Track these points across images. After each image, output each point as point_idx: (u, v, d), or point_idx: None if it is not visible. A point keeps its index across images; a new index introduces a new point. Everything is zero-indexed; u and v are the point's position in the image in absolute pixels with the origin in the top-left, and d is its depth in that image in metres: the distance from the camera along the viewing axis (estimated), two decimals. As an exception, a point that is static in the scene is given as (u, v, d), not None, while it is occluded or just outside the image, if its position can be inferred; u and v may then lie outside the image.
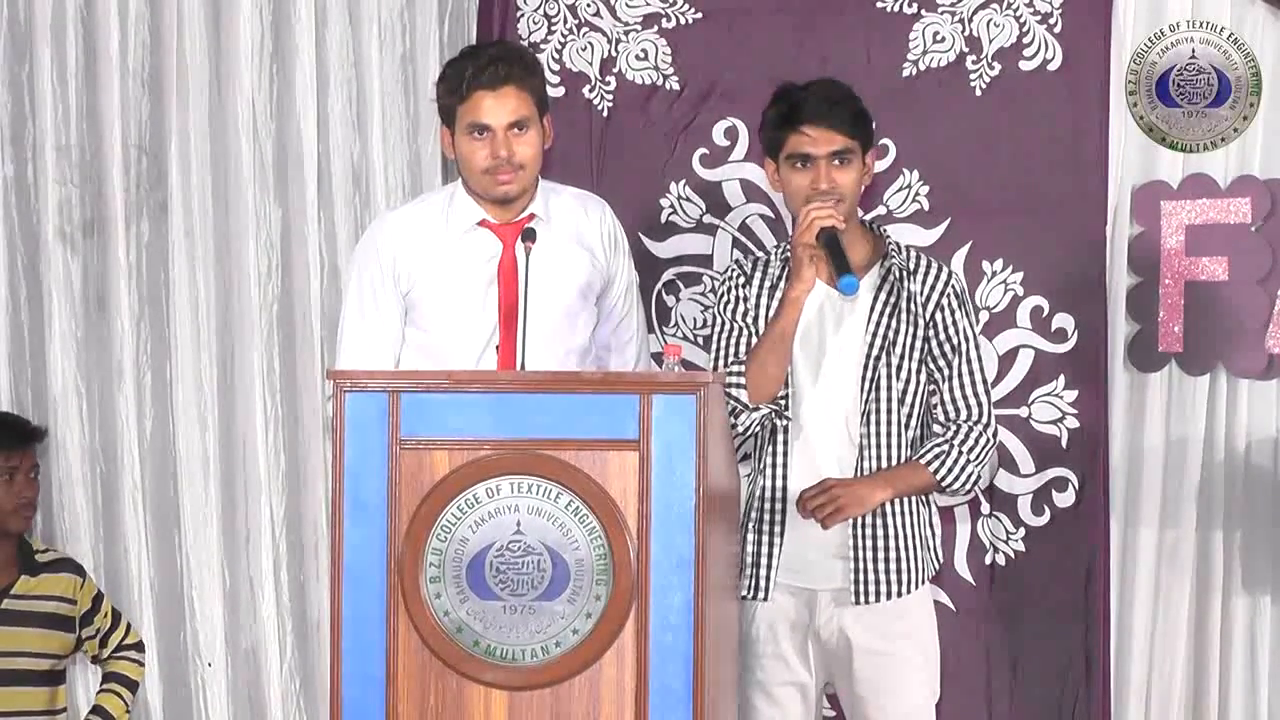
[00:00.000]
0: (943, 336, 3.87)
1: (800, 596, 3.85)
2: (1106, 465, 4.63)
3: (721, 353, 3.90)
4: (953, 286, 3.89)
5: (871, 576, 3.82)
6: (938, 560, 3.94)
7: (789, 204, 3.89)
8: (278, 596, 4.92)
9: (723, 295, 3.94)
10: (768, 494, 3.86)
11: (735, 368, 3.83)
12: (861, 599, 3.81)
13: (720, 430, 3.54)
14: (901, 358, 3.84)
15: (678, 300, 4.73)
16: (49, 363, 4.94)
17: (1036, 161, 4.62)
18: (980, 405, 3.88)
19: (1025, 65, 4.64)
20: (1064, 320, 4.63)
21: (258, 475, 4.90)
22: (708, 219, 4.72)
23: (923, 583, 3.87)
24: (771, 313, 3.86)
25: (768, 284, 3.91)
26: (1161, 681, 4.69)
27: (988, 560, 4.63)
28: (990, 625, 4.61)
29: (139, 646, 4.71)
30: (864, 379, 3.83)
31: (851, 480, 3.81)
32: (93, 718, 4.61)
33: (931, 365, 3.88)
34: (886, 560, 3.82)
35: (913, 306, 3.85)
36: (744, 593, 3.85)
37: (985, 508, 4.64)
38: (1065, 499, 4.63)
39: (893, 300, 3.85)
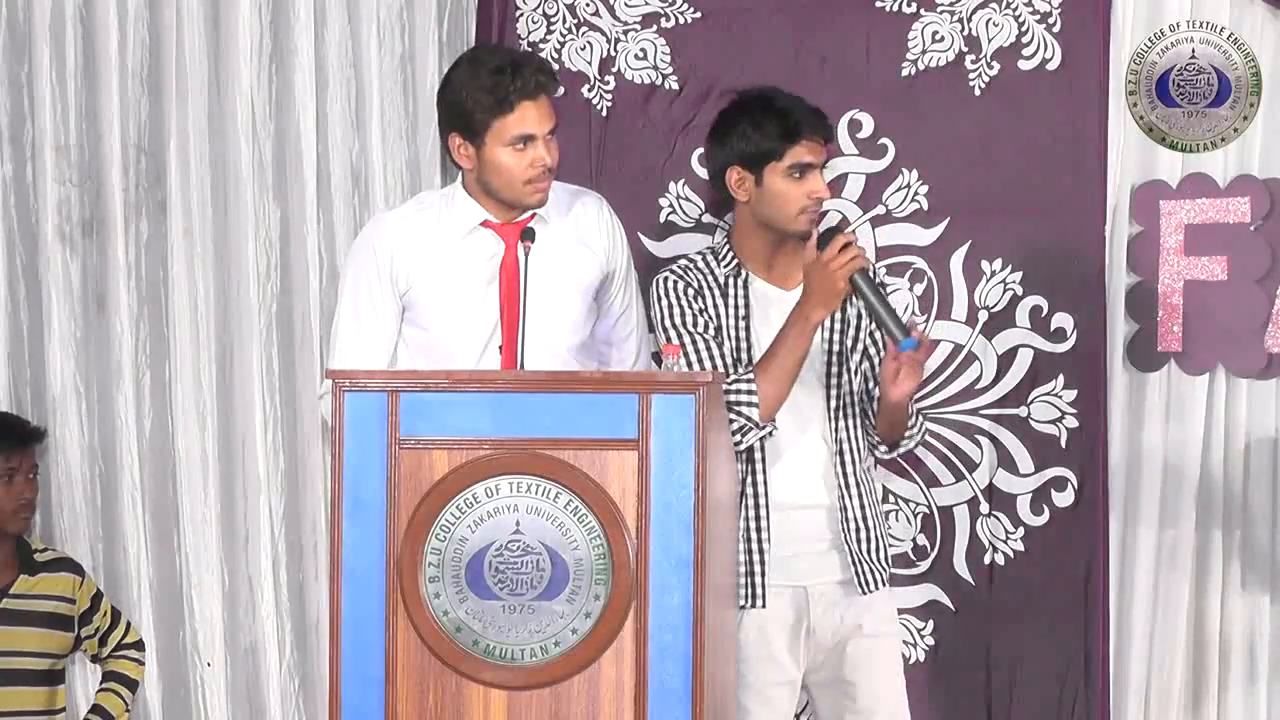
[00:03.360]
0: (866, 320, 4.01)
1: (786, 595, 3.90)
2: (1105, 465, 4.63)
3: (728, 368, 3.90)
4: None
5: (866, 567, 3.95)
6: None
7: (779, 212, 3.94)
8: (277, 596, 4.91)
9: (683, 311, 3.94)
10: (750, 505, 3.91)
11: (744, 385, 3.85)
12: (864, 589, 3.93)
13: (720, 430, 3.54)
14: (850, 351, 3.98)
15: (677, 300, 4.72)
16: (48, 362, 4.93)
17: (1036, 161, 4.61)
18: None
19: (1024, 65, 4.63)
20: (1063, 320, 4.63)
21: (257, 475, 4.89)
22: (707, 219, 4.71)
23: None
24: (736, 309, 3.94)
25: (717, 288, 3.98)
26: (1161, 681, 4.68)
27: (987, 560, 4.63)
28: (990, 625, 4.61)
29: (139, 645, 4.71)
30: (828, 379, 3.96)
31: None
32: (92, 717, 4.62)
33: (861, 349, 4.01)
34: (869, 551, 3.96)
35: (846, 304, 3.97)
36: (741, 603, 3.89)
37: (984, 507, 4.64)
38: (1064, 499, 4.62)
39: None
